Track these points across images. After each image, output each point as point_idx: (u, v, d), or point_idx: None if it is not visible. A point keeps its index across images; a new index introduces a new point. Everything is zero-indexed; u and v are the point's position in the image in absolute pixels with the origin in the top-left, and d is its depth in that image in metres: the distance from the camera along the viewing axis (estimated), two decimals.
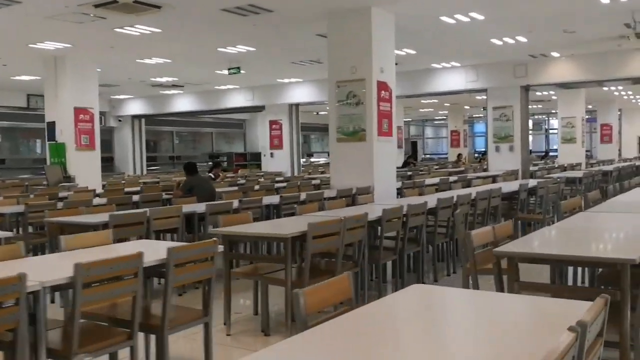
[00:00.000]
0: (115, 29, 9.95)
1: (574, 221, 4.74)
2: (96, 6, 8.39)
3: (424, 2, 8.97)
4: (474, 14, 9.72)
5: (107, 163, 22.65)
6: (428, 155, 39.24)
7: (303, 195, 7.64)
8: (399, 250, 5.72)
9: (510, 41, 12.08)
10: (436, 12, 9.55)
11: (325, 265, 5.09)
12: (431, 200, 6.48)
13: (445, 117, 31.09)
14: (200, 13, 9.16)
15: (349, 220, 4.78)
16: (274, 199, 7.46)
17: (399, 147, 23.89)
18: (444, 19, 9.90)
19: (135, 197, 7.90)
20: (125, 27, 9.90)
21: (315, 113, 29.36)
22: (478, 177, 11.19)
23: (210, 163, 14.40)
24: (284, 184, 10.63)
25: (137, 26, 9.87)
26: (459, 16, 9.80)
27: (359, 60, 9.08)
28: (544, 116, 35.32)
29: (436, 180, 11.05)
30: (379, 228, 5.49)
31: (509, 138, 15.09)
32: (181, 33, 10.59)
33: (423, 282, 6.06)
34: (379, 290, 5.57)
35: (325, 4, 8.85)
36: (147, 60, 13.21)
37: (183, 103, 20.51)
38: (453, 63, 15.16)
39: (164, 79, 16.52)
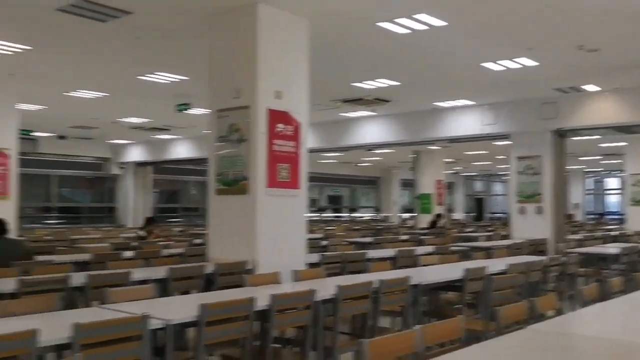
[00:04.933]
0: None
1: None
2: None
3: None
4: (426, 18, 6.75)
5: (109, 214, 20.87)
6: (498, 214, 35.23)
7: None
8: None
9: (513, 65, 8.88)
10: (362, 13, 6.66)
11: None
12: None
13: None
14: (33, 16, 6.81)
15: None
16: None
17: (439, 204, 20.51)
18: (385, 25, 6.98)
19: None
20: None
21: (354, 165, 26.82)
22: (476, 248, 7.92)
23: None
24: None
25: None
26: (406, 21, 6.86)
27: (244, 80, 6.36)
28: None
29: (392, 252, 7.92)
30: None
31: (536, 197, 11.60)
32: (50, 50, 8.31)
33: None
34: None
35: (201, 3, 6.30)
36: (74, 94, 11.08)
37: (182, 150, 18.44)
38: (464, 101, 12.02)
39: (130, 119, 14.39)
